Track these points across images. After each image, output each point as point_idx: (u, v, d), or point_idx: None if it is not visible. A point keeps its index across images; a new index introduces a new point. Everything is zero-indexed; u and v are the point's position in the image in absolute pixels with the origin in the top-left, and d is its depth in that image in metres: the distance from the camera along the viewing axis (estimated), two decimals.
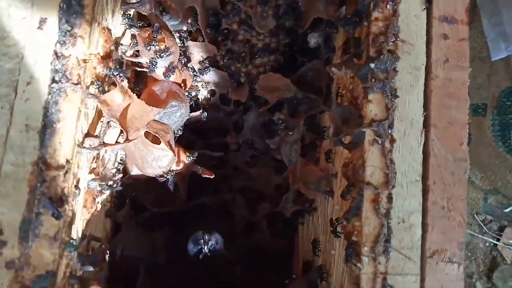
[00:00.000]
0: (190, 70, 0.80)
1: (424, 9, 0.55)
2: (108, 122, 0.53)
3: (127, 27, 0.64)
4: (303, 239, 0.81)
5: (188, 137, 0.89)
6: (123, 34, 0.65)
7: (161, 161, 0.65)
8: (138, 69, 0.70)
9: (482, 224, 1.70)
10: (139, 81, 0.74)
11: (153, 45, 0.62)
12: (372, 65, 0.53)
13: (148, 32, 0.66)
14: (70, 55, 0.48)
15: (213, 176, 0.74)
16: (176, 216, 0.79)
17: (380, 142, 0.52)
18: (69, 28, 0.49)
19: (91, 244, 0.57)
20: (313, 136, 0.77)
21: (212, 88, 0.86)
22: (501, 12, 0.96)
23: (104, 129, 0.53)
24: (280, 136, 0.76)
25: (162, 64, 0.67)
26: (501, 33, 0.99)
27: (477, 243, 1.77)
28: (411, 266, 0.50)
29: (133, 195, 0.72)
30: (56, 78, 0.47)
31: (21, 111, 0.47)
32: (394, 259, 0.50)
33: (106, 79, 0.54)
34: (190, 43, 0.77)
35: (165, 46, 0.64)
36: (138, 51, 0.65)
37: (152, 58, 0.64)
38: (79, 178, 0.50)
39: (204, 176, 0.74)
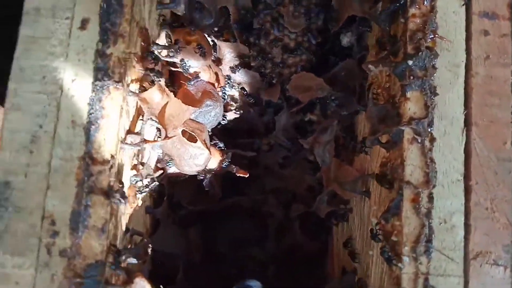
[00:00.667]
0: (221, 70, 0.81)
1: (463, 4, 0.54)
2: (148, 119, 0.55)
3: (163, 27, 0.65)
4: (338, 241, 0.81)
5: (220, 137, 0.90)
6: (159, 34, 0.67)
7: (197, 159, 0.66)
8: (173, 68, 0.72)
9: None
10: (174, 80, 0.76)
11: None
12: (410, 62, 0.52)
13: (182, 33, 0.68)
14: (112, 53, 0.50)
15: (247, 175, 0.74)
16: (210, 214, 0.80)
17: (419, 141, 0.51)
18: (109, 27, 0.50)
19: (134, 238, 0.58)
20: (347, 136, 0.77)
21: (244, 88, 0.87)
22: None
23: (144, 126, 0.54)
24: (314, 135, 0.75)
25: (195, 65, 0.68)
26: None
27: None
28: (454, 268, 0.49)
29: (170, 193, 0.73)
30: (99, 76, 0.49)
31: (67, 108, 0.48)
32: (436, 259, 0.49)
33: (145, 78, 0.55)
34: (222, 43, 0.78)
35: (198, 47, 0.65)
36: (172, 50, 0.67)
37: (183, 59, 0.65)
38: (122, 174, 0.51)
39: (238, 175, 0.75)
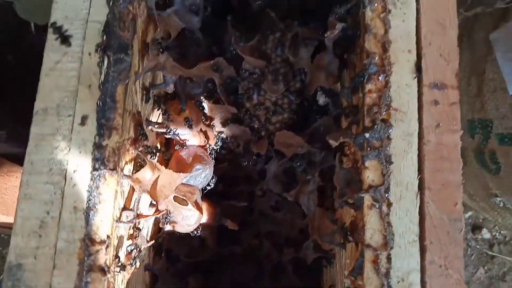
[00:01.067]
0: (213, 128, 0.89)
1: (415, 77, 0.61)
2: (140, 196, 0.63)
3: (155, 106, 0.74)
4: (326, 282, 0.87)
5: (216, 186, 0.98)
6: (152, 110, 0.75)
7: (189, 220, 0.73)
8: (166, 136, 0.80)
9: None
10: (170, 145, 0.84)
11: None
12: (367, 135, 0.59)
13: (175, 105, 0.76)
14: (107, 145, 0.58)
15: (237, 228, 0.81)
16: (207, 264, 0.87)
17: (377, 206, 0.57)
18: (105, 122, 0.59)
19: None
20: (330, 186, 0.83)
21: (237, 141, 0.95)
22: None
23: (137, 203, 0.62)
24: (297, 188, 0.82)
25: (184, 133, 0.76)
26: None
27: None
28: None
29: (168, 248, 0.81)
30: (96, 166, 0.57)
31: (70, 195, 0.57)
32: None
33: (138, 157, 0.63)
34: (212, 105, 0.86)
35: (185, 120, 0.73)
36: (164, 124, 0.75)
37: (174, 129, 0.74)
38: (119, 248, 0.59)
39: (230, 228, 0.82)
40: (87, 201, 0.57)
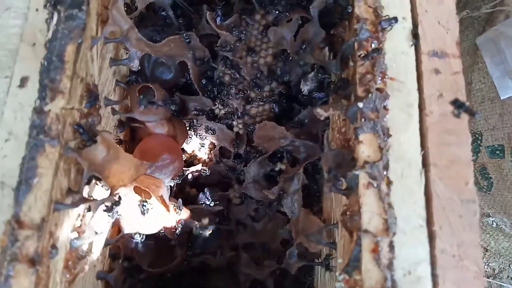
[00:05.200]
0: (187, 123, 0.79)
1: (412, 45, 0.54)
2: (90, 177, 0.52)
3: (117, 83, 0.64)
4: None
5: (189, 193, 0.87)
6: (114, 90, 0.66)
7: (152, 217, 0.62)
8: (132, 124, 0.70)
9: None
10: (135, 136, 0.74)
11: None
12: (361, 104, 0.50)
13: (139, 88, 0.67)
14: (50, 110, 0.48)
15: (210, 231, 0.70)
16: (175, 277, 0.74)
17: (375, 185, 0.48)
18: (49, 84, 0.49)
19: None
20: (314, 185, 0.74)
21: (212, 141, 0.85)
22: (503, 50, 0.94)
23: (84, 185, 0.51)
24: (279, 185, 0.72)
25: (151, 119, 0.67)
26: (505, 71, 0.96)
27: None
28: None
29: (127, 256, 0.68)
30: (34, 134, 0.47)
31: None
32: None
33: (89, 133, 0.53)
34: (185, 97, 0.77)
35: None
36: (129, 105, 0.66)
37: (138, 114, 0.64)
38: (58, 237, 0.47)
39: (200, 232, 0.71)
40: (19, 175, 0.45)
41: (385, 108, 0.51)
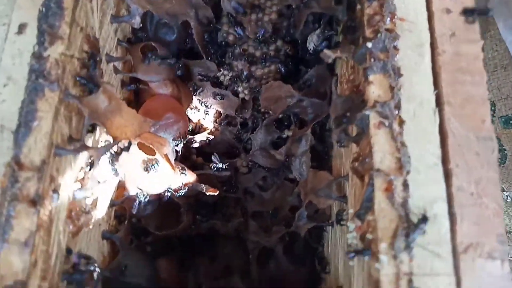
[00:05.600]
0: (191, 87, 0.78)
1: None
2: (92, 125, 0.50)
3: (120, 42, 0.63)
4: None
5: (195, 161, 0.86)
6: (116, 48, 0.64)
7: (156, 175, 0.60)
8: (135, 85, 0.69)
9: None
10: (138, 99, 0.72)
11: None
12: (370, 45, 0.48)
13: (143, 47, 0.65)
14: (49, 55, 0.47)
15: (217, 192, 0.68)
16: (182, 242, 0.73)
17: (387, 124, 0.46)
18: (47, 29, 0.48)
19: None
20: (323, 145, 0.72)
21: (217, 109, 0.84)
22: None
23: (85, 132, 0.49)
24: (287, 145, 0.70)
25: (155, 79, 0.65)
26: None
27: None
28: (442, 265, 0.41)
29: (134, 217, 0.67)
30: (33, 78, 0.46)
31: None
32: (420, 256, 0.42)
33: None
34: (189, 61, 0.76)
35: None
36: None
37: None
38: (59, 183, 0.46)
39: (208, 193, 0.69)
40: (18, 118, 0.44)
41: (395, 48, 0.49)
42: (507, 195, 1.32)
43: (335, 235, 0.66)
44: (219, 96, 0.78)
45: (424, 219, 0.42)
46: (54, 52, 0.47)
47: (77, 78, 0.49)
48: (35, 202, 0.41)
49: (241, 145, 0.86)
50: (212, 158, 0.76)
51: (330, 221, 0.68)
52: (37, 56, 0.47)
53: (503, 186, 1.29)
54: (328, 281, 0.71)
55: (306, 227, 0.68)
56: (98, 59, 0.55)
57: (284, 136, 0.82)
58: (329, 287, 0.70)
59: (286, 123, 0.82)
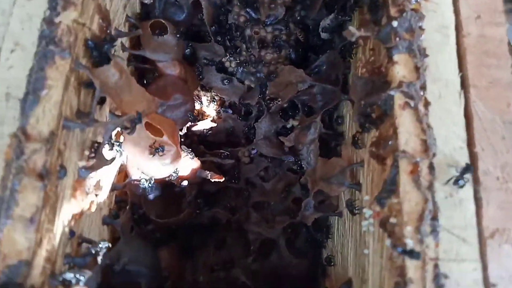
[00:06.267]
0: (196, 72, 0.75)
1: None
2: (102, 98, 0.48)
3: (128, 18, 0.61)
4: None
5: (198, 150, 0.83)
6: (124, 25, 0.62)
7: (164, 156, 0.58)
8: (141, 65, 0.66)
9: None
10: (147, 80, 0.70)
11: None
12: (395, 24, 0.47)
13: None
14: (60, 21, 0.44)
15: (223, 179, 0.66)
16: (184, 230, 0.71)
17: (412, 105, 0.44)
18: None
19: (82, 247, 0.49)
20: (332, 134, 0.70)
21: (221, 96, 0.81)
22: None
23: (95, 105, 0.46)
24: (295, 132, 0.69)
25: (163, 58, 0.63)
26: None
27: None
28: (468, 250, 0.40)
29: (135, 203, 0.64)
30: (43, 44, 0.43)
31: (3, 80, 0.42)
32: (446, 241, 0.40)
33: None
34: (197, 44, 0.73)
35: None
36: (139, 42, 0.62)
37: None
38: (66, 158, 0.43)
39: (213, 180, 0.67)
40: (26, 86, 0.41)
41: (421, 28, 0.47)
42: None
43: (343, 225, 0.65)
44: (226, 80, 0.75)
45: (467, 168, 0.40)
46: (67, 19, 0.44)
47: (89, 43, 0.46)
48: (42, 176, 0.38)
49: (244, 134, 0.84)
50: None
51: (337, 211, 0.66)
52: (48, 22, 0.44)
53: None
54: (334, 273, 0.70)
55: (313, 217, 0.67)
56: (108, 31, 0.52)
57: (289, 126, 0.81)
58: (334, 280, 0.68)
59: (290, 113, 0.80)
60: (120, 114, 0.51)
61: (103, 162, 0.48)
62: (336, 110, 0.73)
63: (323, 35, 0.70)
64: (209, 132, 0.84)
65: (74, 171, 0.47)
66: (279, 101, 0.74)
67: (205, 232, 0.74)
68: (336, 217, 0.68)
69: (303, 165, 0.71)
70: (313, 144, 0.69)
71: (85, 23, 0.47)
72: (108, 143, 0.54)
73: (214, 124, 0.83)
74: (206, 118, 0.84)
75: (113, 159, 0.49)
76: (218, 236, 0.75)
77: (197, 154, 0.80)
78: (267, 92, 0.73)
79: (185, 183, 0.67)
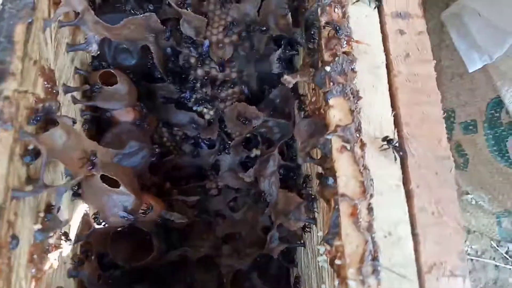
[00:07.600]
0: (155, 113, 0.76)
1: (375, 7, 0.53)
2: (49, 162, 0.48)
3: (77, 71, 0.62)
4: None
5: (163, 186, 0.84)
6: (73, 77, 0.63)
7: (122, 207, 0.59)
8: (93, 114, 0.67)
9: (506, 256, 1.55)
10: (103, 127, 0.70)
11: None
12: (328, 68, 0.49)
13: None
14: (1, 93, 0.45)
15: (186, 221, 0.67)
16: (153, 273, 0.71)
17: (349, 148, 0.46)
18: None
19: None
20: (290, 166, 0.72)
21: (184, 131, 0.82)
22: (467, 23, 0.95)
23: (44, 171, 0.47)
24: (255, 167, 0.70)
25: (116, 107, 0.64)
26: (471, 44, 0.97)
27: (505, 278, 1.61)
28: (408, 286, 0.42)
29: (100, 252, 0.65)
30: None
31: None
32: (387, 279, 0.42)
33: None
34: (152, 85, 0.75)
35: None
36: (92, 92, 0.63)
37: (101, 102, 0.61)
38: (18, 228, 0.44)
39: (177, 221, 0.68)
40: None
41: (353, 70, 0.50)
42: (471, 198, 1.37)
43: (307, 256, 0.66)
44: (187, 116, 0.77)
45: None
46: (7, 90, 0.45)
47: (31, 120, 0.47)
48: None
49: (210, 167, 0.85)
50: None
51: (301, 242, 0.68)
52: None
53: (467, 190, 1.33)
54: None
55: (279, 249, 0.68)
56: (54, 91, 0.53)
57: (253, 155, 0.82)
58: None
59: (253, 143, 0.82)
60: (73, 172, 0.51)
61: (57, 224, 0.49)
62: (295, 141, 0.75)
63: (275, 70, 0.72)
64: (174, 167, 0.85)
65: (30, 237, 0.47)
66: (238, 135, 0.75)
67: (175, 269, 0.75)
68: (302, 247, 0.70)
69: (266, 198, 0.72)
70: (274, 176, 0.71)
71: (27, 90, 0.48)
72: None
73: (179, 160, 0.84)
74: (171, 154, 0.85)
75: (67, 221, 0.50)
76: (189, 272, 0.76)
77: (163, 192, 0.81)
78: (226, 129, 0.75)
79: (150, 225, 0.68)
